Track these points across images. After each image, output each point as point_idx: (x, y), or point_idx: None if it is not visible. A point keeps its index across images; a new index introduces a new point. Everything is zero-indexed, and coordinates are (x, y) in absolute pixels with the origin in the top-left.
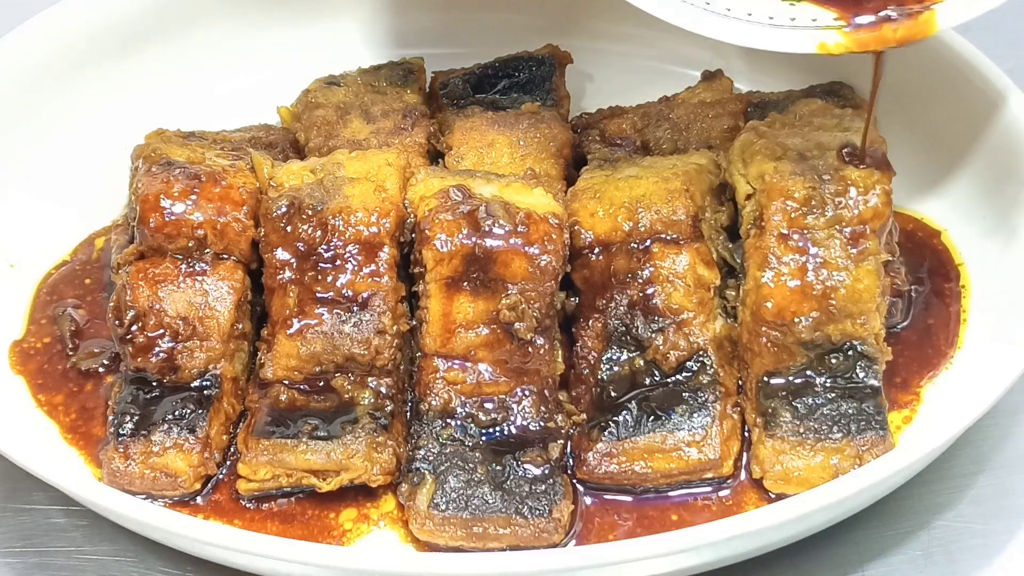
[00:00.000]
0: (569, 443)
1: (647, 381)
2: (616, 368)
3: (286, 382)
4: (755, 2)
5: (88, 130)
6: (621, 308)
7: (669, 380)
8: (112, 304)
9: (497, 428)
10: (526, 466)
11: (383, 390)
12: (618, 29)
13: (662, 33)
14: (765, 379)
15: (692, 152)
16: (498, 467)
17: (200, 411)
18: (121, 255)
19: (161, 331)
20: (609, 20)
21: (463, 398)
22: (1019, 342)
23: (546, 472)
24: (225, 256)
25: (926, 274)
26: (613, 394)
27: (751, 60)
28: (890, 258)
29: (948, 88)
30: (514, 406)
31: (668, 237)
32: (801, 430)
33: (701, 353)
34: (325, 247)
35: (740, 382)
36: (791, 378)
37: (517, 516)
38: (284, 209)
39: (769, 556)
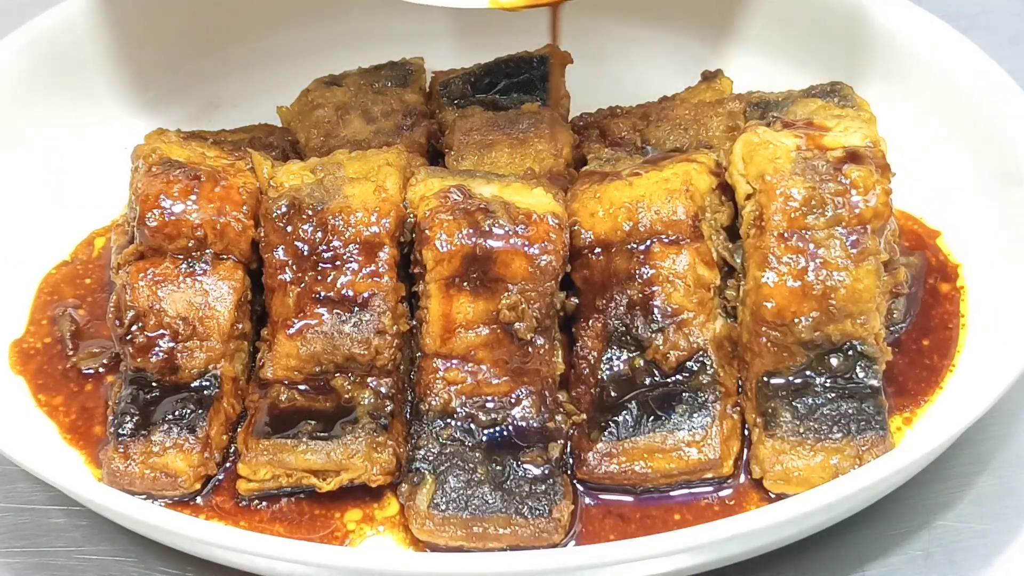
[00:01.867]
0: (569, 443)
1: (647, 381)
2: (616, 368)
3: (286, 382)
4: None
5: (88, 130)
6: (621, 308)
7: (669, 380)
8: (112, 304)
9: (497, 428)
10: (526, 466)
11: (383, 390)
12: (618, 29)
13: (662, 33)
14: (765, 379)
15: (692, 152)
16: (498, 467)
17: (200, 411)
18: (121, 255)
19: (161, 331)
20: (610, 20)
21: (463, 398)
22: (1018, 342)
23: (546, 472)
24: (225, 256)
25: (925, 274)
26: (613, 394)
27: (751, 60)
28: (890, 258)
29: (949, 88)
30: (514, 406)
31: (668, 237)
32: (801, 430)
33: (701, 353)
34: (325, 247)
35: (740, 382)
36: (791, 378)
37: (517, 516)
38: (284, 209)
39: (769, 556)
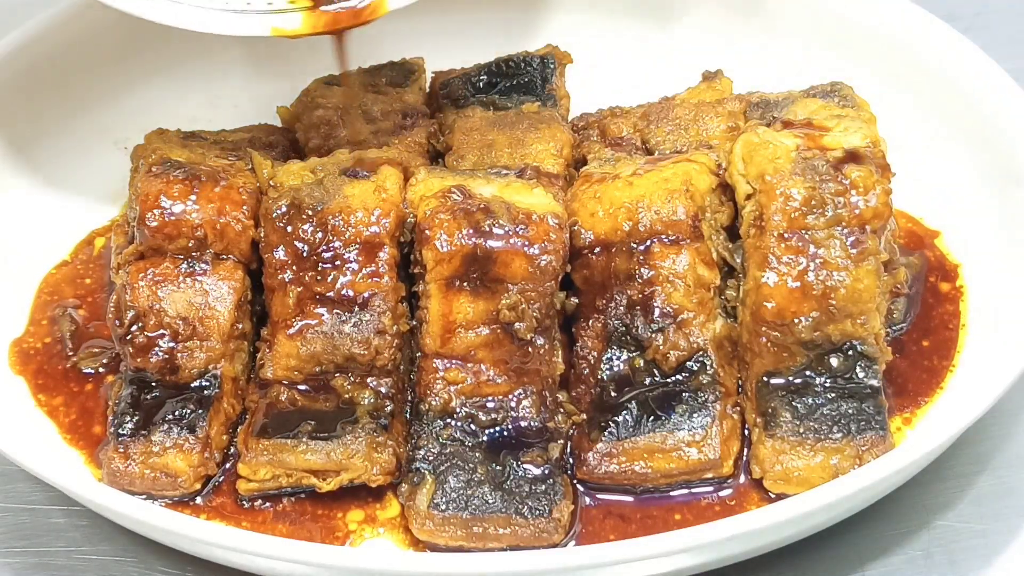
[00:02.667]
0: (569, 443)
1: (647, 381)
2: (616, 368)
3: (286, 382)
4: None
5: (88, 130)
6: (621, 308)
7: (669, 380)
8: (112, 304)
9: (497, 428)
10: (526, 466)
11: (383, 390)
12: (618, 29)
13: (662, 33)
14: (765, 379)
15: (692, 152)
16: (498, 467)
17: (200, 411)
18: (121, 255)
19: (161, 331)
20: (609, 20)
21: (463, 398)
22: (1018, 342)
23: (546, 472)
24: (225, 256)
25: (925, 274)
26: (613, 394)
27: (751, 60)
28: (890, 258)
29: (948, 88)
30: (514, 406)
31: (668, 237)
32: (801, 430)
33: (701, 353)
34: (325, 247)
35: (740, 382)
36: (791, 378)
37: (517, 516)
38: (284, 209)
39: (769, 556)
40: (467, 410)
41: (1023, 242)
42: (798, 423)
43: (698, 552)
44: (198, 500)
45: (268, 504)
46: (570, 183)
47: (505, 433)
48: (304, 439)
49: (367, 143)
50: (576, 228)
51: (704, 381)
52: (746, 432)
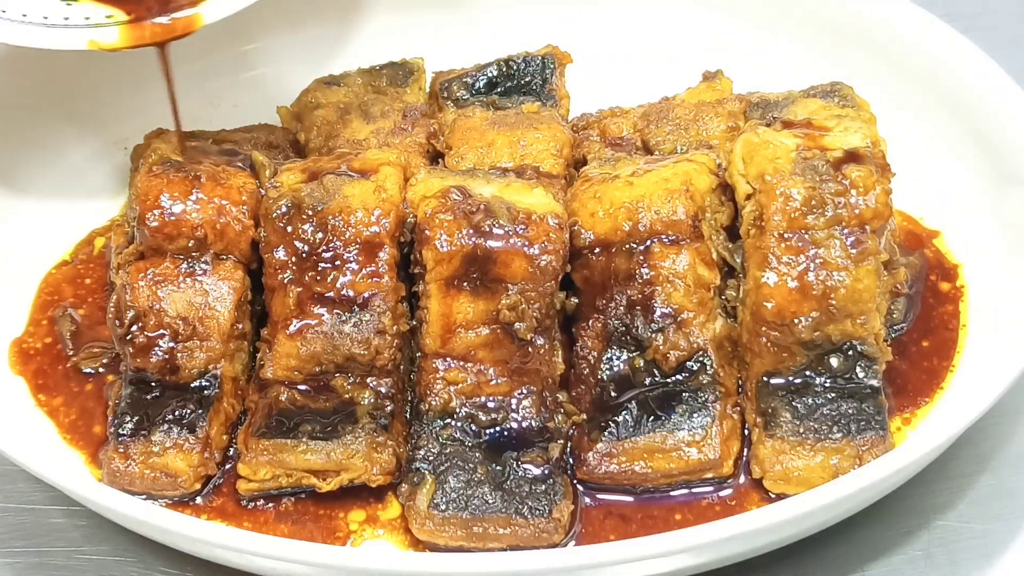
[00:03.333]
0: (569, 443)
1: (647, 381)
2: (616, 368)
3: (286, 382)
4: (32, 3)
5: (88, 130)
6: (621, 308)
7: (669, 380)
8: (112, 304)
9: (497, 428)
10: (526, 466)
11: (383, 390)
12: (618, 29)
13: (662, 33)
14: (765, 379)
15: (692, 152)
16: (498, 467)
17: (200, 411)
18: (121, 255)
19: (161, 331)
20: (609, 20)
21: (463, 398)
22: (1018, 342)
23: (546, 472)
24: (225, 256)
25: (926, 274)
26: (613, 394)
27: (751, 60)
28: (890, 258)
29: (949, 88)
30: (514, 406)
31: (668, 237)
32: (801, 430)
33: (701, 353)
34: (325, 247)
35: (740, 382)
36: (791, 378)
37: (517, 516)
38: (284, 209)
39: (769, 556)
40: (467, 410)
41: (1023, 242)
42: (798, 423)
43: (698, 552)
44: (198, 500)
45: (269, 504)
46: (570, 183)
47: (505, 433)
48: (304, 439)
49: (367, 143)
50: (576, 228)
51: (704, 381)
52: (746, 432)
